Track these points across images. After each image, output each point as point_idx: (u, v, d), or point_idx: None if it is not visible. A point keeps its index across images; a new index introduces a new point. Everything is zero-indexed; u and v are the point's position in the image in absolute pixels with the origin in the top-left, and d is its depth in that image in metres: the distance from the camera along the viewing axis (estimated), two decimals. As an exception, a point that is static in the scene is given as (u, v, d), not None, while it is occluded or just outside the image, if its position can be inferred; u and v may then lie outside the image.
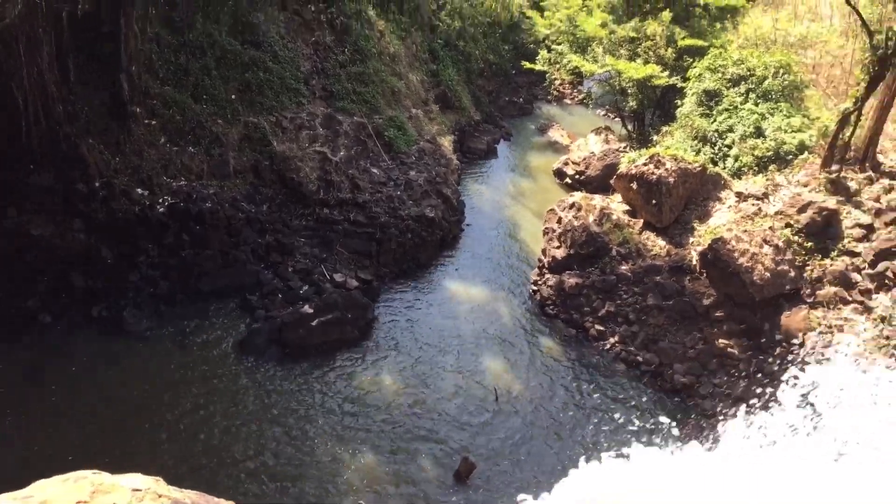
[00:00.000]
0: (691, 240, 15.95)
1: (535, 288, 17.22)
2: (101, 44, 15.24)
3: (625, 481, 5.54)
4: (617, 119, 26.22)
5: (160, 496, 3.41)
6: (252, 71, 18.11)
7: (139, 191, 15.39)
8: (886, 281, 13.32)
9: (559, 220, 17.22)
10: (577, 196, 17.77)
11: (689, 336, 14.70)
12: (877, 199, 14.58)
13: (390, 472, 11.80)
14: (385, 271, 17.14)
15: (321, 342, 14.20)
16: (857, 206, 14.64)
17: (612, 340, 15.45)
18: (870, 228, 14.20)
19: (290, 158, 17.74)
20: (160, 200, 15.47)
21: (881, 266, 13.48)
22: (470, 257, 18.56)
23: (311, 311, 14.37)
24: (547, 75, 29.10)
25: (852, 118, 15.12)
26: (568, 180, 22.89)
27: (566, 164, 23.39)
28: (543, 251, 17.47)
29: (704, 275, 15.06)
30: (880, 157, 15.56)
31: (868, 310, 13.28)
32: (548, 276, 16.96)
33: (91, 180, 14.87)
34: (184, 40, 16.95)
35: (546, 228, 17.60)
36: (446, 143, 22.37)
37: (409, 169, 19.82)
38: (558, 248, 16.94)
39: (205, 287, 15.09)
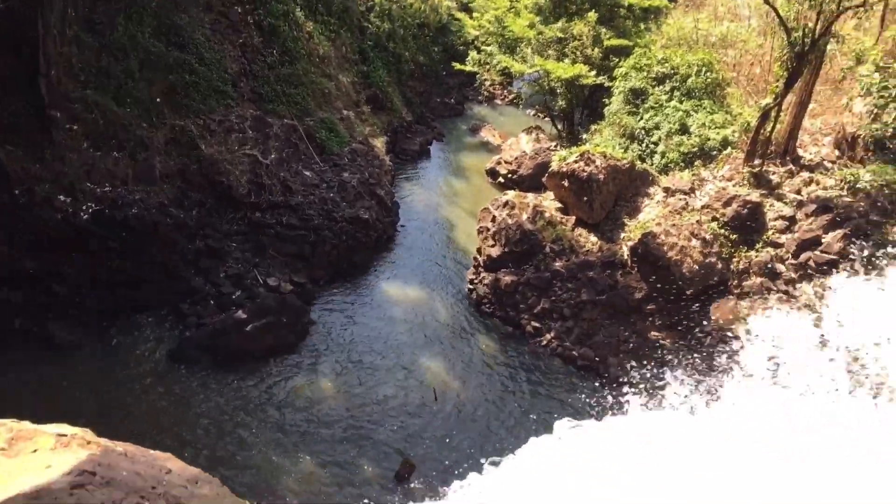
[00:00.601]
0: (622, 235, 16.25)
1: (471, 287, 17.29)
2: (19, 46, 14.65)
3: (554, 458, 5.68)
4: (547, 118, 26.55)
5: (88, 442, 3.25)
6: (177, 73, 17.65)
7: (61, 198, 14.80)
8: (808, 270, 13.80)
9: (493, 219, 17.33)
10: (511, 195, 17.91)
11: (623, 330, 14.98)
12: (798, 192, 15.10)
13: (331, 475, 11.68)
14: (320, 274, 16.96)
15: (256, 348, 13.95)
16: (780, 198, 15.14)
17: (548, 336, 15.64)
18: (792, 220, 14.71)
19: (219, 162, 17.37)
20: (84, 207, 14.92)
21: (803, 256, 13.97)
22: (405, 258, 18.53)
23: (244, 316, 14.12)
24: (477, 76, 29.31)
25: (772, 114, 15.63)
26: (501, 179, 23.07)
27: (499, 163, 23.56)
28: (479, 250, 17.55)
29: (636, 269, 15.36)
30: (800, 151, 16.13)
31: (792, 299, 13.75)
32: (483, 274, 17.05)
33: (11, 188, 14.28)
34: (105, 42, 16.42)
35: (480, 227, 17.69)
36: (379, 144, 22.27)
37: (342, 171, 19.65)
38: (493, 246, 17.05)
39: (134, 296, 14.66)
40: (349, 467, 11.90)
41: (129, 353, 13.69)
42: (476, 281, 17.21)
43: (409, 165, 24.01)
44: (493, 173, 23.62)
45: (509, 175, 22.85)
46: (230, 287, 15.45)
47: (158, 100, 17.20)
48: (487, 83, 31.55)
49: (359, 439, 12.45)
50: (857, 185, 14.53)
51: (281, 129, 19.33)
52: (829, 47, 15.34)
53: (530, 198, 17.76)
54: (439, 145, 26.39)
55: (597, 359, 14.87)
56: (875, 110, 15.54)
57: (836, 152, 16.10)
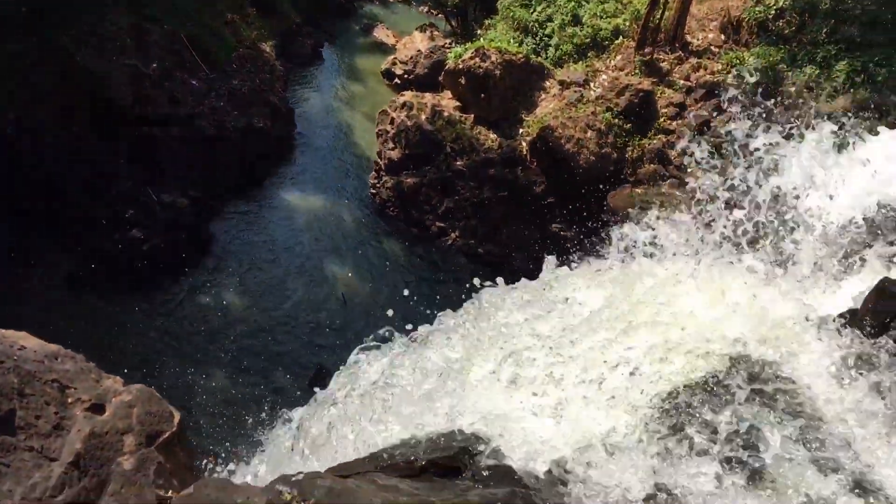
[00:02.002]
0: (521, 131, 16.32)
1: (373, 191, 17.17)
2: None
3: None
4: (440, 15, 26.01)
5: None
6: (39, -21, 16.26)
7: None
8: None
9: (392, 121, 17.08)
10: (408, 95, 17.63)
11: (525, 224, 15.26)
12: (687, 78, 15.44)
13: (243, 389, 11.67)
14: (217, 187, 16.43)
15: (155, 267, 13.56)
16: (670, 85, 15.45)
17: (453, 235, 15.80)
18: (682, 106, 15.08)
19: (96, 74, 16.31)
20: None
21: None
22: (305, 166, 18.17)
23: (140, 236, 13.64)
24: (366, -27, 28.31)
25: (661, 1, 15.74)
26: (397, 80, 22.66)
27: (394, 63, 23.09)
28: (379, 153, 17.35)
29: (535, 164, 15.54)
30: (688, 37, 16.38)
31: (683, 183, 14.24)
32: (385, 178, 16.92)
33: None
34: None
35: (380, 130, 17.43)
36: (268, 48, 21.39)
37: (231, 78, 18.82)
38: (393, 149, 16.87)
39: (19, 222, 13.90)
40: (262, 380, 11.92)
41: (24, 283, 13.09)
42: (378, 185, 17.09)
43: (301, 70, 23.22)
44: (388, 74, 23.16)
45: (405, 75, 22.46)
46: (123, 207, 14.78)
47: (24, 9, 15.85)
48: (377, -20, 30.56)
49: (269, 351, 12.44)
50: (743, 68, 14.96)
51: (161, 36, 18.24)
52: (713, -70, 15.43)
53: (428, 98, 17.53)
54: (332, 48, 25.57)
55: (501, 254, 15.17)
56: (758, -7, 15.87)
57: (723, 37, 16.43)
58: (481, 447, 3.96)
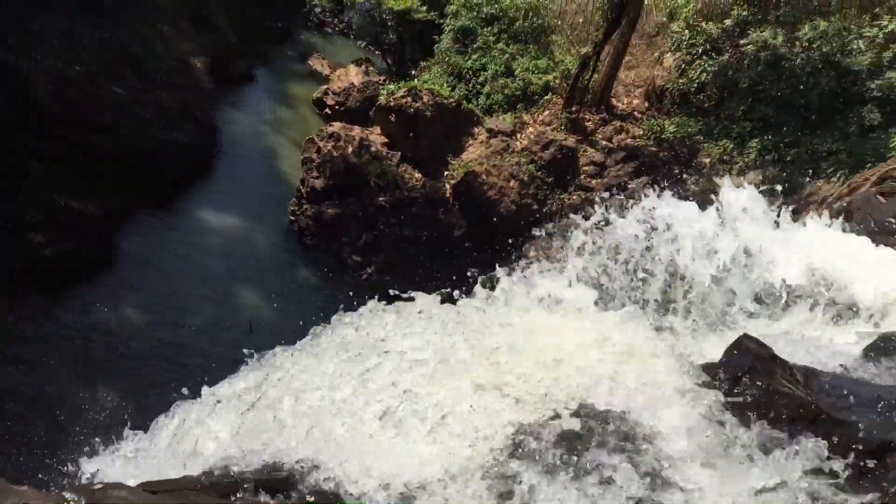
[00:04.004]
0: (446, 173, 16.51)
1: (293, 218, 16.98)
2: None
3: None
4: (378, 52, 26.19)
5: None
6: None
7: None
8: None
9: (318, 150, 17.01)
10: (337, 126, 17.61)
11: (441, 265, 15.34)
12: (609, 139, 15.98)
13: (137, 404, 11.21)
14: (131, 200, 15.92)
15: (55, 275, 12.98)
16: (593, 144, 15.96)
17: (369, 270, 15.74)
18: (602, 166, 15.59)
19: (18, 73, 15.72)
20: None
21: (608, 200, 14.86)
22: (225, 187, 17.79)
23: (42, 240, 13.07)
24: (307, 1, 28.30)
25: (591, 63, 16.32)
26: (328, 111, 22.59)
27: (326, 93, 23.03)
28: (302, 181, 17.21)
29: (457, 207, 15.71)
30: (614, 101, 17.00)
31: (597, 240, 14.63)
32: (306, 206, 16.78)
33: None
34: None
35: (305, 158, 17.32)
36: (199, 65, 21.06)
37: (159, 90, 18.42)
38: (317, 178, 16.77)
39: None
40: (158, 399, 11.47)
41: None
42: (298, 212, 16.92)
43: (232, 90, 22.86)
44: (319, 103, 23.08)
45: (337, 106, 22.42)
46: (29, 210, 14.14)
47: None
48: (318, 10, 30.53)
49: (167, 371, 12.02)
50: (662, 136, 15.59)
51: (91, 41, 17.77)
52: (645, 1, 16.16)
53: (357, 131, 17.55)
54: (265, 71, 25.32)
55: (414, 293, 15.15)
56: (683, 66, 16.64)
57: (646, 104, 17.13)
58: (314, 474, 3.93)
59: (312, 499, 3.64)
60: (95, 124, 16.29)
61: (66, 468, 6.64)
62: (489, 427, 4.37)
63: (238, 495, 3.53)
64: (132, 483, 4.42)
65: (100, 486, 3.19)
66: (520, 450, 4.15)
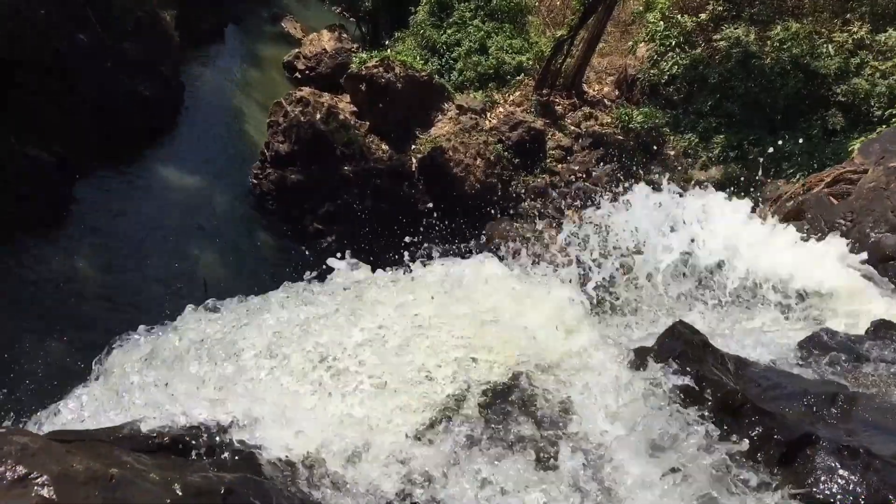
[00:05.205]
0: (413, 147, 16.42)
1: (255, 181, 16.77)
2: None
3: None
4: (353, 19, 25.89)
5: None
6: None
7: None
8: (575, 199, 14.83)
9: (285, 115, 16.78)
10: (306, 91, 17.37)
11: (402, 239, 15.29)
12: (577, 125, 16.05)
13: (84, 357, 11.03)
14: (90, 151, 15.54)
15: (7, 222, 12.65)
16: (561, 129, 16.02)
17: (329, 239, 15.64)
18: (569, 150, 15.65)
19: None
20: None
21: (574, 186, 14.95)
22: (188, 144, 17.48)
23: (-6, 187, 12.73)
24: (284, -38, 27.83)
25: (565, 47, 16.33)
26: (298, 75, 22.31)
27: (297, 57, 22.73)
28: (267, 145, 16.98)
29: (422, 181, 15.66)
30: (585, 87, 17.06)
31: (559, 224, 14.74)
32: (270, 170, 16.57)
33: None
34: None
35: (271, 121, 17.07)
36: (168, 18, 20.56)
37: (125, 42, 17.95)
38: (283, 143, 16.56)
39: None
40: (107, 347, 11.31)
41: None
42: (261, 176, 16.71)
43: (200, 46, 22.38)
44: (290, 67, 22.78)
45: (307, 71, 22.15)
46: (-20, 153, 13.79)
47: None
48: (294, -29, 30.06)
49: (119, 329, 11.82)
50: (630, 125, 15.69)
51: (54, -17, 17.22)
52: (623, -11, 16.19)
53: (326, 97, 17.34)
54: (236, 29, 24.84)
55: (372, 264, 15.12)
56: (655, 57, 16.74)
57: (617, 92, 17.21)
58: (232, 431, 3.88)
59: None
60: (56, 70, 15.83)
61: (15, 416, 6.51)
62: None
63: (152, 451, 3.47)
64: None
65: (3, 430, 3.11)
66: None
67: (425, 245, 7.27)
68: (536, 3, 19.84)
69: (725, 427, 3.77)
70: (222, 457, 3.59)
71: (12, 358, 10.67)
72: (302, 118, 16.47)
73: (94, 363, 5.95)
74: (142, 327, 6.22)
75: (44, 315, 11.60)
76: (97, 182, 15.06)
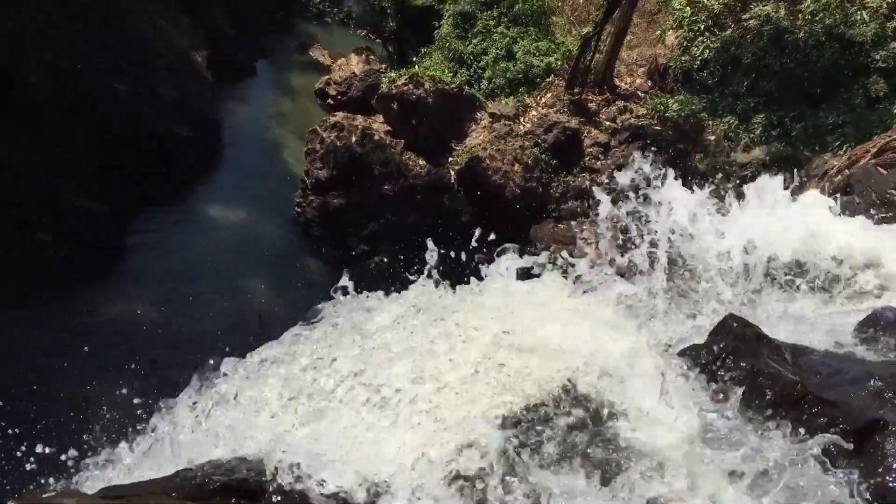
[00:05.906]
0: (450, 159, 16.46)
1: (298, 210, 16.97)
2: None
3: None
4: (378, 40, 26.11)
5: None
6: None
7: None
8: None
9: (322, 141, 16.97)
10: (340, 116, 17.57)
11: (448, 252, 15.31)
12: (613, 120, 15.89)
13: (153, 403, 11.26)
14: (136, 196, 15.93)
15: (63, 275, 13.00)
16: (596, 125, 15.88)
17: (376, 259, 15.73)
18: (606, 146, 15.51)
19: (16, 75, 15.70)
20: None
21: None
22: (230, 180, 17.83)
23: (47, 239, 13.09)
24: (306, -9, 28.24)
25: (592, 43, 16.21)
26: (330, 101, 22.56)
27: (328, 84, 22.99)
28: (307, 172, 17.19)
29: (462, 193, 15.67)
30: (616, 81, 16.90)
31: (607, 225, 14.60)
32: (312, 197, 16.77)
33: None
34: None
35: (308, 149, 17.28)
36: (199, 59, 21.05)
37: (160, 86, 18.41)
38: (321, 169, 16.75)
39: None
40: (172, 393, 11.52)
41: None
42: (304, 204, 16.91)
43: (233, 83, 22.84)
44: (322, 94, 23.05)
45: (339, 96, 22.38)
46: (30, 208, 14.13)
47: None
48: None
49: (179, 366, 12.04)
50: (666, 114, 15.48)
51: (91, 38, 17.73)
52: (645, -20, 16.02)
53: (359, 120, 17.51)
54: (265, 63, 25.30)
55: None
56: (685, 43, 16.51)
57: (649, 83, 17.02)
58: (282, 473, 3.77)
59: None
60: (95, 117, 16.23)
61: (77, 470, 6.65)
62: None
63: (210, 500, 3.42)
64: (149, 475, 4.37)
65: (52, 494, 3.11)
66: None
67: (476, 256, 7.08)
68: (559, 3, 19.76)
69: (789, 422, 3.59)
70: (274, 499, 3.51)
71: (75, 408, 10.92)
72: (338, 143, 16.65)
73: (153, 410, 6.00)
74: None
75: (103, 365, 11.84)
76: (146, 226, 15.43)
